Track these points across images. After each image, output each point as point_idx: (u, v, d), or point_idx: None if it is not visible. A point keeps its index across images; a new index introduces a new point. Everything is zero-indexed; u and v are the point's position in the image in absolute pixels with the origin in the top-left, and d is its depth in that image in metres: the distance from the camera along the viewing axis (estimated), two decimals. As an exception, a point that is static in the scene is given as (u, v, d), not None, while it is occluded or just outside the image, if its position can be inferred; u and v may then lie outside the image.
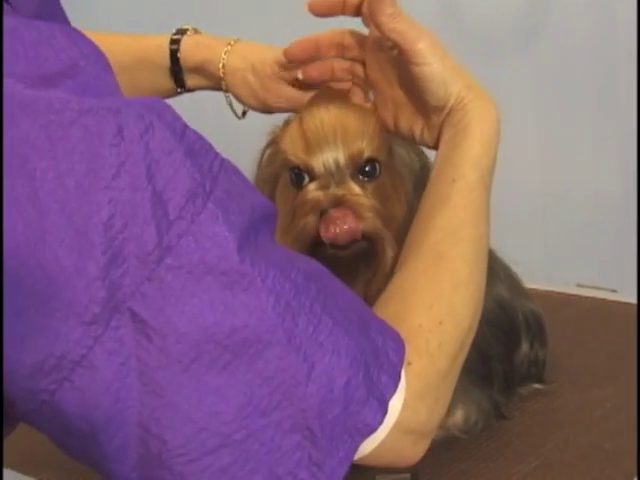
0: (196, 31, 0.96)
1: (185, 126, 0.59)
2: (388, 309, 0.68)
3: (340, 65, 0.84)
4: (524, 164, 1.52)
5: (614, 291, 1.19)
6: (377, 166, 0.80)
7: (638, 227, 1.35)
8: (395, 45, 0.76)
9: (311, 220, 0.78)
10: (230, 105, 0.95)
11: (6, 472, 0.89)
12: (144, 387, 0.56)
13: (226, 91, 0.93)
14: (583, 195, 1.48)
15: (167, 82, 0.96)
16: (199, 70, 0.94)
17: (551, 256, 1.52)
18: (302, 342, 0.59)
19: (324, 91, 0.83)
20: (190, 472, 0.58)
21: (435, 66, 0.75)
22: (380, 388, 0.62)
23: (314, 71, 0.85)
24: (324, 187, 0.78)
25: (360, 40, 0.82)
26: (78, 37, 0.59)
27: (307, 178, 0.80)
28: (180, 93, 0.97)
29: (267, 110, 0.91)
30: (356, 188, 0.79)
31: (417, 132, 0.79)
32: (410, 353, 0.65)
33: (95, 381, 0.56)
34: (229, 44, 0.92)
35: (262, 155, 0.85)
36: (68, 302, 0.55)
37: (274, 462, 0.59)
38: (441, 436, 0.87)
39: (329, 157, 0.79)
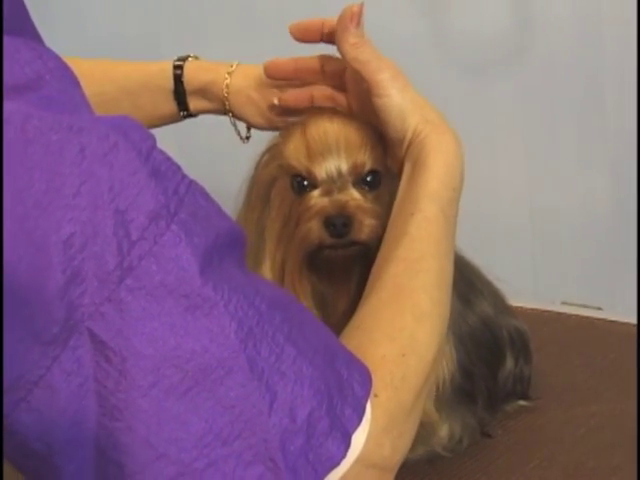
0: (197, 58, 0.96)
1: (152, 147, 0.58)
2: (351, 342, 0.67)
3: (321, 92, 0.84)
4: (511, 181, 1.53)
5: (599, 309, 1.19)
6: (378, 177, 0.81)
7: (638, 247, 1.35)
8: (358, 76, 0.77)
9: (315, 225, 0.79)
10: (234, 126, 0.95)
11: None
12: (102, 409, 0.55)
13: (230, 112, 0.93)
14: (570, 212, 1.49)
15: (170, 105, 0.95)
16: (203, 92, 0.94)
17: (537, 274, 1.53)
18: (264, 370, 0.58)
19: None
20: None
21: (394, 98, 0.76)
22: (343, 421, 0.61)
23: (290, 98, 0.85)
24: (328, 193, 0.79)
25: (342, 68, 0.83)
26: (43, 51, 0.58)
27: (309, 185, 0.81)
28: (183, 118, 0.97)
29: (274, 127, 0.90)
30: (358, 195, 0.80)
31: (389, 162, 0.81)
32: (376, 385, 0.64)
33: (53, 402, 0.55)
34: (231, 66, 0.93)
35: (260, 158, 0.86)
36: (26, 320, 0.54)
37: None
38: (425, 454, 0.87)
39: (332, 165, 0.80)
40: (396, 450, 0.66)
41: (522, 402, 0.96)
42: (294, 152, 0.81)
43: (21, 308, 0.54)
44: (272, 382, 0.58)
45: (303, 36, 0.82)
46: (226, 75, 0.92)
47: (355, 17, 0.77)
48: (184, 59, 0.96)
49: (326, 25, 0.81)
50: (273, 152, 0.84)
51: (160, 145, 0.59)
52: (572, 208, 1.48)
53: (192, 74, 0.94)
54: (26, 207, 0.54)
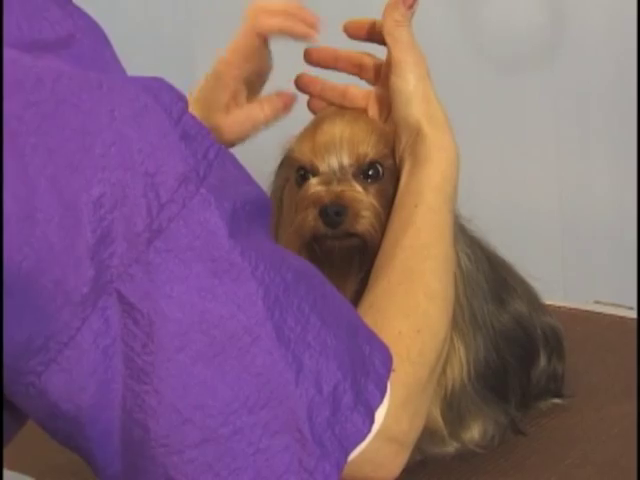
0: None
1: (183, 110, 0.58)
2: (365, 319, 0.67)
3: (355, 91, 0.84)
4: (542, 177, 1.52)
5: (631, 308, 1.19)
6: (380, 169, 0.81)
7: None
8: (387, 50, 0.78)
9: (311, 214, 0.79)
10: None
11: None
12: (129, 371, 0.55)
13: None
14: (601, 210, 1.48)
15: None
16: None
17: (569, 272, 1.52)
18: (290, 339, 0.58)
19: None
20: (173, 464, 0.57)
21: (409, 82, 0.77)
22: (367, 396, 0.61)
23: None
24: (326, 183, 0.80)
25: (377, 65, 0.83)
26: (73, 10, 0.58)
27: (311, 177, 0.81)
28: None
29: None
30: (357, 186, 0.80)
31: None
32: (394, 360, 0.65)
33: (81, 363, 0.55)
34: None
35: (278, 164, 0.86)
36: (56, 281, 0.54)
37: (262, 463, 0.57)
38: (457, 450, 0.87)
39: (333, 157, 0.80)
40: (412, 426, 0.67)
41: (555, 400, 0.96)
42: (301, 146, 0.82)
43: (51, 267, 0.54)
44: (298, 352, 0.58)
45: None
46: None
47: (412, 1, 0.77)
48: None
49: (378, 24, 0.81)
50: (284, 154, 0.85)
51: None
52: (604, 205, 1.47)
53: None
54: (57, 166, 0.54)
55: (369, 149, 0.80)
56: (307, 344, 0.59)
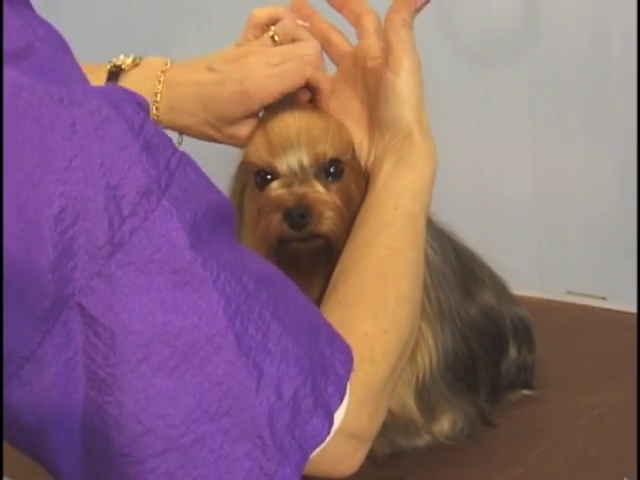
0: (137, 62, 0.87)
1: (144, 120, 0.58)
2: (333, 315, 0.68)
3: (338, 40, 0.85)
4: (517, 170, 1.53)
5: (604, 298, 1.19)
6: (341, 166, 0.81)
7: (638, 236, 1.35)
8: (386, 47, 0.78)
9: (275, 218, 0.78)
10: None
11: None
12: (90, 382, 0.56)
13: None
14: (575, 202, 1.48)
15: None
16: None
17: (542, 263, 1.52)
18: (251, 348, 0.59)
19: (286, 97, 0.82)
20: (135, 474, 0.57)
21: (407, 84, 0.77)
22: (326, 399, 0.62)
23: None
24: (287, 186, 0.79)
25: (344, 49, 0.84)
26: (32, 17, 0.58)
27: (271, 180, 0.80)
28: None
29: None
30: (319, 187, 0.79)
31: (356, 142, 0.81)
32: (355, 360, 0.65)
33: (43, 376, 0.56)
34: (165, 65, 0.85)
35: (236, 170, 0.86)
36: (18, 295, 0.54)
37: (223, 470, 0.58)
38: (427, 442, 0.87)
39: (292, 158, 0.79)
40: (373, 421, 0.68)
41: (525, 391, 0.96)
42: (255, 149, 0.81)
43: (13, 283, 0.54)
44: (259, 359, 0.59)
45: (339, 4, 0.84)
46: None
47: (420, 4, 0.78)
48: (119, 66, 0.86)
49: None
50: (242, 161, 0.84)
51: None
52: (577, 197, 1.48)
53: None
54: (17, 181, 0.54)
55: (328, 147, 0.80)
56: (268, 351, 0.60)
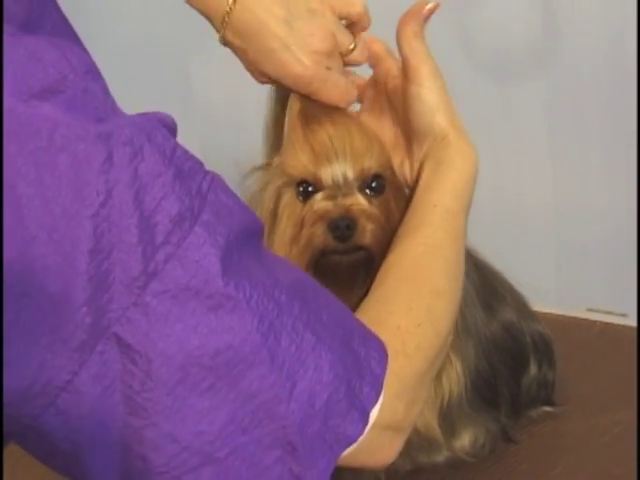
0: None
1: (175, 146, 0.59)
2: (369, 313, 0.69)
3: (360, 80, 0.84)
4: (535, 185, 1.52)
5: (624, 315, 1.19)
6: (382, 182, 0.81)
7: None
8: (403, 62, 0.79)
9: (319, 229, 0.78)
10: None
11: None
12: (128, 409, 0.57)
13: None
14: (594, 217, 1.48)
15: None
16: None
17: (562, 279, 1.52)
18: (285, 361, 0.60)
19: (315, 103, 0.81)
20: None
21: (431, 91, 0.78)
22: (362, 399, 0.63)
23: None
24: (331, 198, 0.79)
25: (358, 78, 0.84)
26: (66, 48, 0.59)
27: (314, 191, 0.80)
28: None
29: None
30: (363, 200, 0.80)
31: (396, 163, 0.82)
32: (389, 354, 0.66)
33: (80, 405, 0.56)
34: None
35: (261, 179, 0.85)
36: (54, 329, 0.55)
37: (254, 476, 0.60)
38: (446, 458, 0.87)
39: (337, 170, 0.79)
40: (409, 413, 0.68)
41: (546, 408, 0.96)
42: (298, 159, 0.80)
43: (50, 316, 0.55)
44: (292, 371, 0.60)
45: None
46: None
47: (428, 13, 0.79)
48: None
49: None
50: (273, 171, 0.83)
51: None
52: (597, 213, 1.48)
53: None
54: (54, 216, 0.55)
55: (373, 162, 0.80)
56: (302, 362, 0.61)
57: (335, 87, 0.79)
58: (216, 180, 0.61)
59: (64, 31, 0.68)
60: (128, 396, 0.57)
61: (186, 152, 0.60)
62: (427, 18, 0.79)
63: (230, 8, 0.76)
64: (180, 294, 0.57)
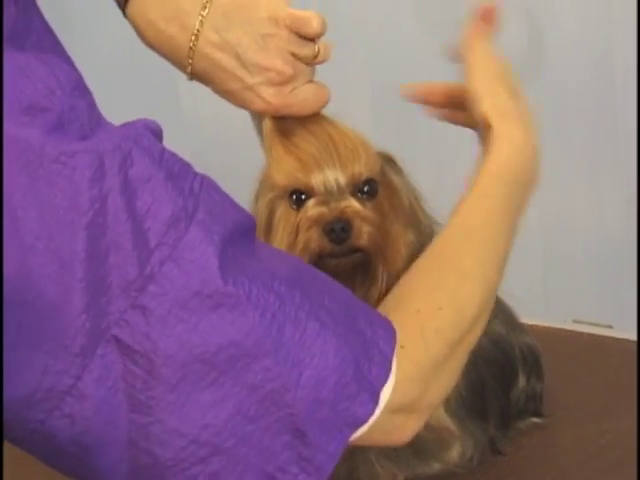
0: None
1: (163, 149, 0.60)
2: (394, 298, 0.71)
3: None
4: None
5: (610, 327, 1.19)
6: (375, 186, 0.82)
7: (638, 264, 1.35)
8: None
9: (314, 233, 0.79)
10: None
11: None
12: (131, 407, 0.58)
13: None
14: (581, 230, 1.49)
15: None
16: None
17: (548, 291, 1.53)
18: (290, 350, 0.60)
19: (288, 119, 0.81)
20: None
21: (477, 80, 0.79)
22: (371, 380, 0.64)
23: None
24: (325, 203, 0.80)
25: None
26: (54, 64, 0.59)
27: (307, 198, 0.80)
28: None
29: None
30: (356, 203, 0.80)
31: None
32: (404, 337, 0.66)
33: (84, 407, 0.57)
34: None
35: (257, 190, 0.86)
36: (55, 335, 0.56)
37: (264, 461, 0.60)
38: (437, 470, 0.87)
39: (329, 177, 0.80)
40: (425, 396, 0.68)
41: (534, 419, 0.96)
42: (285, 170, 0.80)
43: (50, 323, 0.56)
44: (298, 359, 0.61)
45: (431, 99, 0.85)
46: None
47: (490, 15, 0.81)
48: None
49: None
50: (265, 183, 0.84)
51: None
52: (583, 226, 1.48)
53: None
54: (50, 226, 0.55)
55: (362, 167, 0.80)
56: (307, 350, 0.61)
57: (303, 103, 0.79)
58: (207, 180, 0.61)
59: (49, 43, 0.68)
60: (131, 395, 0.57)
61: (174, 155, 0.60)
62: (490, 19, 0.81)
63: (191, 60, 0.77)
64: (179, 295, 0.57)
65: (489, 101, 0.78)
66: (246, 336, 0.59)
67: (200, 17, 0.76)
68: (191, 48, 0.76)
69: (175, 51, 0.78)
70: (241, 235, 0.62)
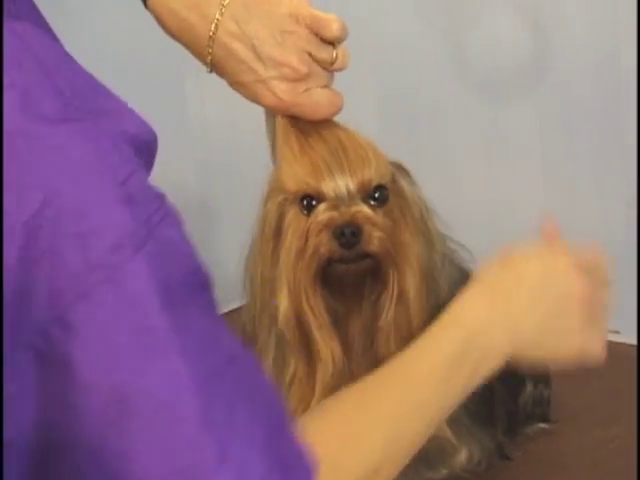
0: None
1: (133, 171, 0.55)
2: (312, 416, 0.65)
3: None
4: (528, 202, 1.53)
5: (617, 332, 1.19)
6: (386, 193, 0.81)
7: (638, 264, 1.35)
8: None
9: (324, 237, 0.79)
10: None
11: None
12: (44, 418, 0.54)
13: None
14: (587, 234, 1.48)
15: None
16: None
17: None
18: (216, 424, 0.54)
19: (301, 120, 0.81)
20: None
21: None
22: None
23: None
24: (335, 207, 0.79)
25: None
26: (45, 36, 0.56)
27: (316, 204, 0.80)
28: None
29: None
30: (367, 208, 0.80)
31: None
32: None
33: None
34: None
35: (266, 194, 0.85)
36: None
37: None
38: (445, 475, 0.87)
39: (340, 183, 0.79)
40: None
41: (542, 425, 0.96)
42: (296, 175, 0.80)
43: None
44: (223, 438, 0.55)
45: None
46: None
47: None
48: None
49: None
50: (275, 186, 0.84)
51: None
52: (589, 229, 1.48)
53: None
54: None
55: (372, 173, 0.80)
56: (234, 432, 0.55)
57: (315, 106, 0.79)
58: (171, 217, 0.57)
59: (36, 20, 0.66)
60: (50, 401, 0.53)
61: (143, 181, 0.56)
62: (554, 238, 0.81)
63: (210, 49, 0.77)
64: (108, 322, 0.53)
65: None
66: (172, 389, 0.53)
67: (221, 6, 0.77)
68: (211, 37, 0.77)
69: (195, 40, 0.78)
70: (196, 286, 0.57)
